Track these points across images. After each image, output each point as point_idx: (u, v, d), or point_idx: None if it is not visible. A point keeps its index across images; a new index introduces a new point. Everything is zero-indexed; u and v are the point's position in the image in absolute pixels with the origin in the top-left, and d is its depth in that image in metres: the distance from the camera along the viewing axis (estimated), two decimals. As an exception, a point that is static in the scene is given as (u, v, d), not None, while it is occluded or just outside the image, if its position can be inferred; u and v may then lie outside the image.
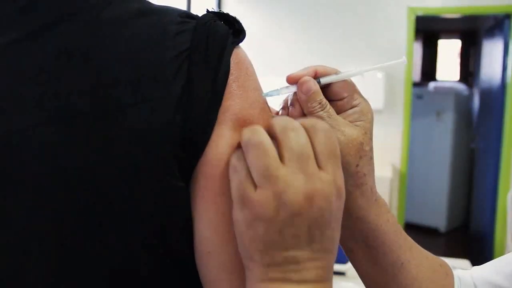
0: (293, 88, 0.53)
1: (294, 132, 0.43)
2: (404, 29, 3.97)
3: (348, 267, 1.98)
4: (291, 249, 0.41)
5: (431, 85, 5.86)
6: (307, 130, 0.43)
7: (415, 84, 5.24)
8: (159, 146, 0.45)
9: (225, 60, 0.47)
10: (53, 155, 0.45)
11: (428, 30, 6.20)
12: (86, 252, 0.46)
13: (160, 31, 0.47)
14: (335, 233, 0.44)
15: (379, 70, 0.55)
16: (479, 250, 4.37)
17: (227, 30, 0.48)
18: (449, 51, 6.52)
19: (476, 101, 5.63)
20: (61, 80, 0.46)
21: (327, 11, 4.12)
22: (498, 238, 3.97)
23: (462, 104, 5.51)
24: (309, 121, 0.44)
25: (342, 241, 0.57)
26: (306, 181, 0.41)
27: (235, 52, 0.48)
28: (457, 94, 5.44)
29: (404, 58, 0.53)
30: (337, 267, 1.97)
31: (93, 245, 0.46)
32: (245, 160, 0.43)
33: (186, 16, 0.49)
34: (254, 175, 0.42)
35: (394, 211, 4.01)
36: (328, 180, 0.42)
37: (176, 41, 0.46)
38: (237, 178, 0.42)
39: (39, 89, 0.46)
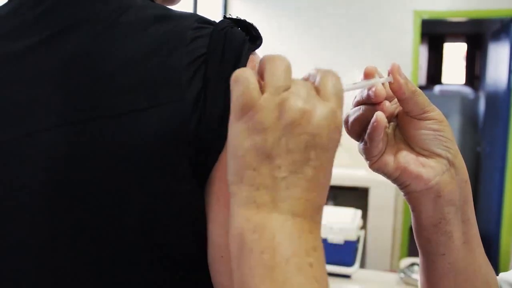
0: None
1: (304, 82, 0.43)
2: (410, 33, 3.97)
3: (354, 270, 1.98)
4: (284, 167, 0.40)
5: (437, 88, 5.85)
6: (319, 74, 0.43)
7: (421, 88, 5.22)
8: (171, 149, 0.45)
9: (241, 66, 0.47)
10: (58, 157, 0.46)
11: (434, 33, 6.19)
12: (89, 253, 0.47)
13: (177, 37, 0.47)
14: (329, 166, 0.41)
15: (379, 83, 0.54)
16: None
17: (243, 36, 0.49)
18: (454, 54, 6.50)
19: (482, 105, 5.61)
20: (73, 84, 0.47)
21: (332, 13, 4.13)
22: (504, 242, 3.95)
23: (468, 108, 5.49)
24: (322, 69, 0.44)
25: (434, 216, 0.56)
26: (308, 97, 0.40)
27: (251, 58, 0.49)
28: (463, 97, 5.43)
29: (391, 77, 0.53)
30: (343, 270, 1.97)
31: (96, 247, 0.46)
32: (251, 70, 0.42)
33: (203, 22, 0.49)
34: (267, 82, 0.41)
35: (400, 215, 4.01)
36: (329, 107, 0.41)
37: (192, 46, 0.47)
38: (241, 86, 0.40)
39: (50, 93, 0.47)
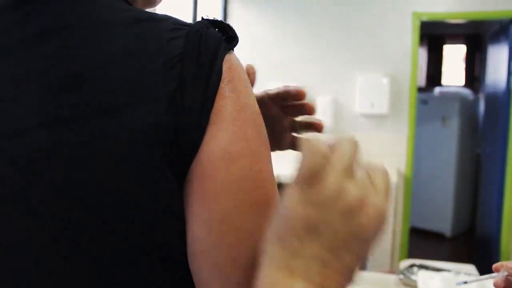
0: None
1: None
2: (409, 34, 3.98)
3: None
4: (327, 246, 0.41)
5: (436, 90, 5.86)
6: (371, 168, 0.45)
7: (420, 89, 5.23)
8: (150, 147, 0.45)
9: (217, 65, 0.48)
10: (43, 157, 0.46)
11: (433, 35, 6.20)
12: (89, 253, 0.47)
13: (154, 38, 0.48)
14: (364, 256, 0.44)
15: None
16: (485, 255, 4.35)
17: (219, 37, 0.50)
18: (454, 56, 6.51)
19: (481, 106, 5.62)
20: (56, 83, 0.48)
21: (332, 16, 4.13)
22: (504, 243, 3.95)
23: (467, 109, 5.50)
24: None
25: None
26: (368, 190, 0.42)
27: (228, 57, 0.50)
28: (462, 99, 5.43)
29: (504, 272, 0.85)
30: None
31: (96, 247, 0.47)
32: (325, 145, 0.43)
33: (179, 24, 0.50)
34: (336, 162, 0.42)
35: (399, 216, 4.01)
36: (383, 207, 0.43)
37: (169, 47, 0.48)
38: (314, 158, 0.42)
39: (35, 93, 0.48)
